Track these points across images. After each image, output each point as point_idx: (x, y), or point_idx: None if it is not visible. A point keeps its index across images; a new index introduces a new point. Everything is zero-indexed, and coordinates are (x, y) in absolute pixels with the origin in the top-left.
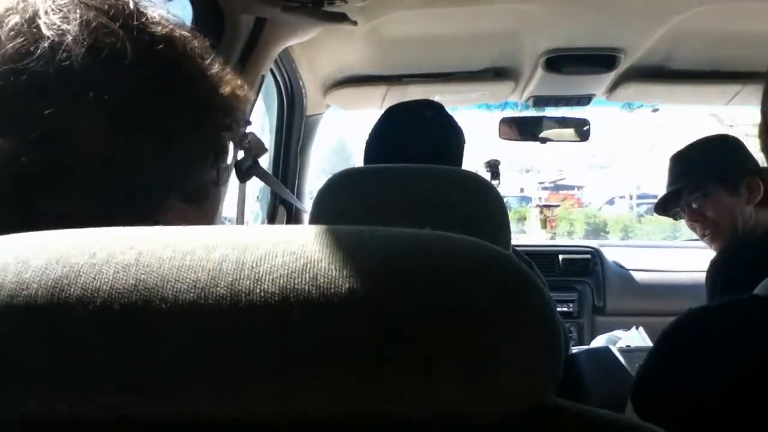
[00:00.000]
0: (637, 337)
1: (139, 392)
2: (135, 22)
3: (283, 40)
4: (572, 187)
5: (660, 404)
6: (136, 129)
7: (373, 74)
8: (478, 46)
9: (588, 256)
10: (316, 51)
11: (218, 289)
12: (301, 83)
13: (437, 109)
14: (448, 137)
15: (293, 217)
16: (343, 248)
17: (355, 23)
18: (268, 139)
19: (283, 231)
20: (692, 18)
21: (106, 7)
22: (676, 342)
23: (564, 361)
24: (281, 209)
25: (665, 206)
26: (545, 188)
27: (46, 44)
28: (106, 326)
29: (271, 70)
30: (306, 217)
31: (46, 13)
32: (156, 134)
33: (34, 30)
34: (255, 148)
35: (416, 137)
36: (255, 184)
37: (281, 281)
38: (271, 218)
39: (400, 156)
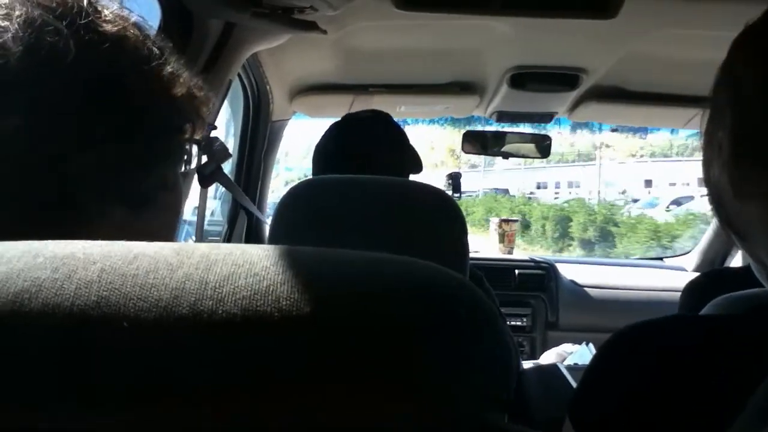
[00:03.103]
0: (586, 353)
1: (97, 409)
2: (82, 21)
3: (251, 45)
4: None
5: (595, 418)
6: (60, 131)
7: (340, 83)
8: (444, 60)
9: (543, 271)
10: (284, 57)
11: (181, 308)
12: (267, 88)
13: (386, 120)
14: (396, 149)
15: (254, 223)
16: (305, 271)
17: (324, 32)
18: (231, 143)
19: (246, 252)
20: (650, 42)
21: (54, 4)
22: (609, 357)
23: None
24: (242, 214)
25: None
26: None
27: None
28: (66, 342)
29: (238, 74)
30: (267, 226)
31: None
32: (81, 137)
33: None
34: (218, 153)
35: (365, 148)
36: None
37: (243, 303)
38: (232, 222)
39: (350, 167)
